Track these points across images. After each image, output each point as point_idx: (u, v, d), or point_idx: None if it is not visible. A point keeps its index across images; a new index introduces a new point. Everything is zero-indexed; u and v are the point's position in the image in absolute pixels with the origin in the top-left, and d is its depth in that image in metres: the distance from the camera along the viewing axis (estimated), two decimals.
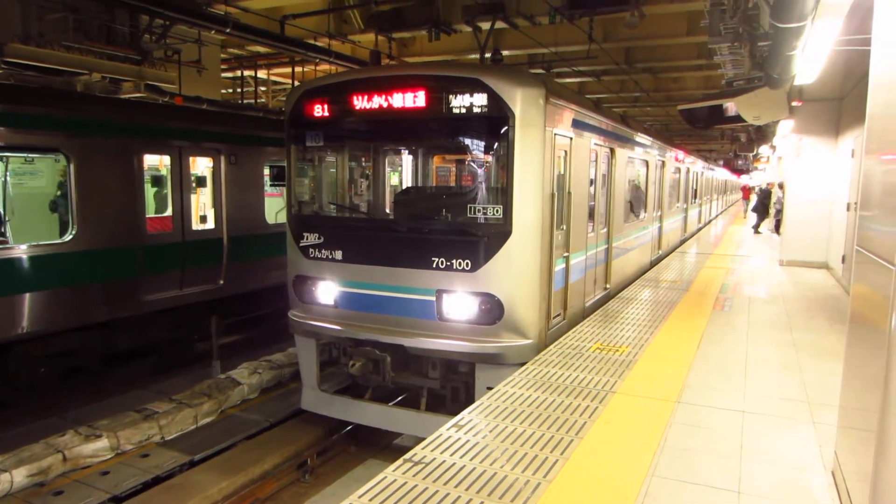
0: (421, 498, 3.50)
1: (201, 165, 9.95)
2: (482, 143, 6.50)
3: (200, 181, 9.69)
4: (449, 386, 6.58)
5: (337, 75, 7.56)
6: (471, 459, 3.96)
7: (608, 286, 9.29)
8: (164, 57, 11.63)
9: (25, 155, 8.11)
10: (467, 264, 6.06)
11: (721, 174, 35.75)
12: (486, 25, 10.62)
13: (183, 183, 9.21)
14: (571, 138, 7.05)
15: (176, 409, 7.47)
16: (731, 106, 10.31)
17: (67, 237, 7.68)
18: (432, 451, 4.09)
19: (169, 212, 9.21)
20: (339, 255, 6.73)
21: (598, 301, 8.75)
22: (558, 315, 7.03)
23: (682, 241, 18.02)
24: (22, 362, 7.74)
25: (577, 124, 7.23)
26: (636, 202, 11.20)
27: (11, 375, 7.71)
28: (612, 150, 9.13)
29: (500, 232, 6.02)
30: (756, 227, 21.93)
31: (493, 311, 6.07)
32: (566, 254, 7.13)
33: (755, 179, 44.05)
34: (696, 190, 20.94)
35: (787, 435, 4.54)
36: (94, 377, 8.77)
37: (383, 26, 10.94)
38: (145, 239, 8.63)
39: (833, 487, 3.75)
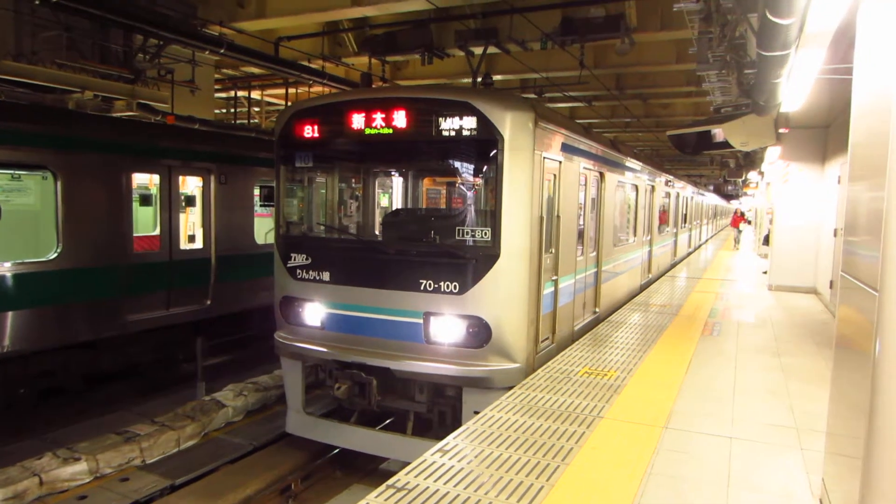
0: None
1: (191, 184, 9.92)
2: (471, 166, 6.51)
3: (189, 200, 9.65)
4: (436, 410, 6.50)
5: (328, 96, 7.59)
6: (455, 486, 3.89)
7: (597, 310, 9.24)
8: (158, 76, 11.67)
9: (12, 172, 8.05)
10: (455, 287, 6.04)
11: (711, 199, 35.99)
12: (478, 50, 10.76)
13: (172, 202, 9.17)
14: (561, 162, 7.06)
15: (158, 432, 7.33)
16: (719, 132, 10.43)
17: (52, 255, 7.60)
18: (416, 476, 4.02)
19: (157, 231, 9.15)
20: (326, 276, 6.71)
21: (587, 325, 8.70)
22: (546, 339, 6.97)
23: (673, 265, 18.06)
24: (1, 382, 7.58)
25: (566, 148, 7.25)
26: (624, 226, 11.23)
27: None
28: (601, 174, 9.15)
29: (488, 255, 6.00)
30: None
31: (480, 334, 6.04)
32: (555, 277, 7.10)
33: (746, 204, 44.37)
34: (685, 214, 21.07)
35: (775, 462, 4.50)
36: (75, 398, 8.61)
37: (377, 50, 11.06)
38: (132, 258, 8.56)
39: None
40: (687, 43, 10.93)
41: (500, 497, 3.75)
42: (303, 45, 11.94)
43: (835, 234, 10.77)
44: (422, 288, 6.16)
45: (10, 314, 7.21)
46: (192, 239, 9.99)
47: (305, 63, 12.54)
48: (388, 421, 7.38)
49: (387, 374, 6.31)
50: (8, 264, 7.28)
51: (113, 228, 8.31)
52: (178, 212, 9.31)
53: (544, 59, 13.41)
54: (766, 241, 17.63)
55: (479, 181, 6.44)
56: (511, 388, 5.88)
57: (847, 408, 3.36)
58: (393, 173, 8.85)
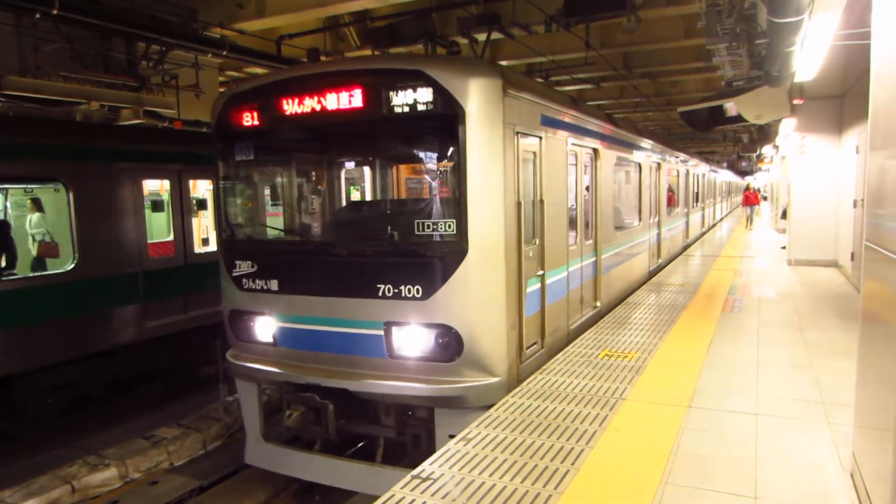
0: None
1: (202, 188, 9.96)
2: (429, 147, 5.75)
3: (201, 204, 9.69)
4: (409, 433, 5.66)
5: (264, 76, 6.54)
6: None
7: (598, 304, 8.30)
8: (162, 82, 11.71)
9: (25, 186, 8.14)
10: (418, 291, 5.19)
11: (724, 176, 35.34)
12: (482, 37, 10.65)
13: (183, 206, 9.22)
14: (541, 137, 6.18)
15: (184, 435, 7.42)
16: (731, 106, 10.27)
17: (69, 266, 7.68)
18: None
19: (171, 236, 9.20)
20: (274, 285, 5.86)
21: (588, 321, 7.81)
22: (534, 344, 6.12)
23: (685, 248, 17.11)
24: (28, 394, 7.69)
25: (548, 122, 6.35)
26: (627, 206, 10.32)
27: (18, 408, 7.66)
28: (595, 151, 8.21)
29: (453, 251, 5.12)
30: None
31: (450, 345, 5.20)
32: (541, 272, 6.20)
33: (760, 180, 43.76)
34: (697, 193, 20.21)
35: (803, 437, 4.42)
36: (100, 406, 8.73)
37: (380, 42, 10.97)
38: (147, 264, 8.63)
39: (852, 489, 3.64)
40: (694, 17, 10.73)
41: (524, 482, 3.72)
42: (305, 42, 11.90)
43: (855, 206, 10.57)
44: (381, 294, 5.31)
45: (31, 327, 7.30)
46: (205, 242, 10.03)
47: (305, 61, 12.51)
48: (360, 444, 6.47)
49: (346, 395, 5.48)
50: (27, 277, 7.36)
51: (127, 236, 8.37)
52: (190, 216, 9.36)
53: (549, 41, 13.25)
54: (784, 215, 17.36)
55: (441, 164, 5.63)
56: (491, 406, 5.06)
57: (876, 380, 3.29)
58: (343, 162, 7.64)
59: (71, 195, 7.63)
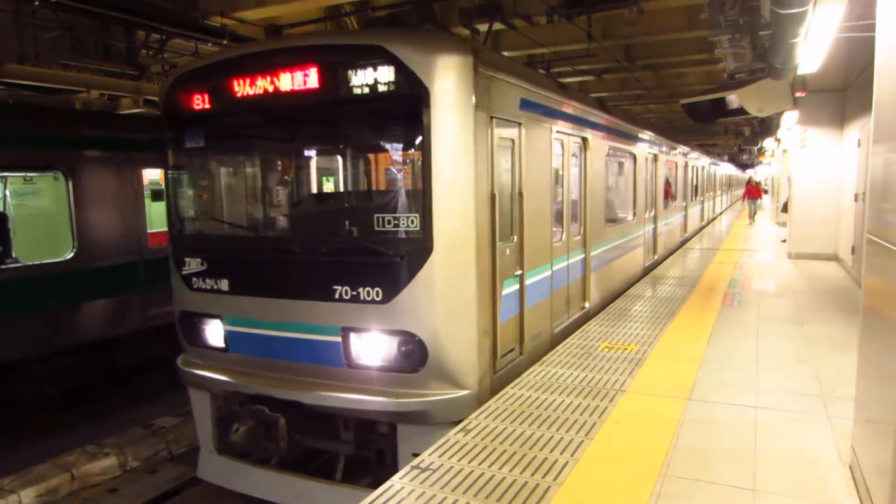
0: None
1: None
2: (391, 133, 5.22)
3: None
4: (373, 447, 5.18)
5: (213, 54, 5.95)
6: None
7: (586, 305, 7.78)
8: (162, 71, 11.66)
9: (24, 174, 8.12)
10: (377, 294, 4.69)
11: (724, 168, 35.16)
12: (483, 27, 10.59)
13: None
14: (521, 124, 5.64)
15: (183, 424, 7.43)
16: (734, 98, 10.25)
17: (69, 255, 7.67)
18: None
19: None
20: (224, 285, 5.37)
21: (574, 323, 7.33)
22: (511, 351, 5.60)
23: (683, 243, 16.73)
24: (28, 383, 7.71)
25: (529, 106, 5.81)
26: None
27: (18, 396, 7.68)
28: (584, 141, 7.66)
29: (417, 249, 4.60)
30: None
31: (413, 354, 4.71)
32: (519, 272, 5.68)
33: (761, 173, 43.67)
34: (696, 186, 19.92)
35: (802, 430, 4.43)
36: (100, 395, 8.75)
37: None
38: (146, 254, 8.61)
39: (851, 483, 3.64)
40: (697, 9, 10.66)
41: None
42: (305, 31, 11.83)
43: (856, 199, 10.55)
44: (337, 296, 4.81)
45: (31, 315, 7.30)
46: None
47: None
48: (326, 458, 5.81)
49: (301, 407, 5.03)
50: (27, 265, 7.35)
51: (127, 225, 8.36)
52: None
53: (551, 32, 13.15)
54: (785, 208, 17.34)
55: (404, 152, 5.19)
56: (460, 421, 4.64)
57: (877, 374, 3.29)
58: (299, 150, 6.92)
59: (70, 184, 7.61)
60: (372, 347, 4.82)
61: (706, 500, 3.50)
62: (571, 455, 3.99)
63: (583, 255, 7.69)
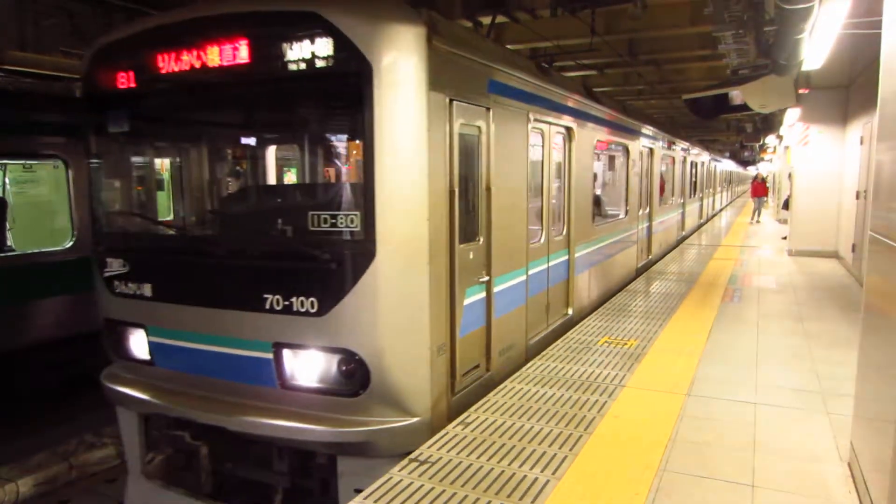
0: None
1: None
2: (330, 116, 4.63)
3: None
4: (315, 478, 4.53)
5: (134, 23, 5.12)
6: None
7: (569, 311, 7.22)
8: None
9: (24, 162, 8.09)
10: (312, 304, 4.04)
11: (725, 164, 35.02)
12: (486, 20, 10.53)
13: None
14: (489, 109, 4.97)
15: None
16: (736, 94, 10.19)
17: (68, 244, 7.65)
18: None
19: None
20: (147, 289, 4.71)
21: (553, 333, 6.69)
22: (475, 367, 4.96)
23: (680, 241, 16.16)
24: (27, 372, 7.71)
25: (499, 89, 5.14)
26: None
27: (17, 386, 7.68)
28: (568, 131, 7.02)
29: (357, 253, 3.94)
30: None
31: (354, 374, 4.07)
32: (486, 277, 5.02)
33: (764, 169, 43.58)
34: (695, 182, 19.09)
35: (801, 426, 4.43)
36: (99, 384, 8.73)
37: None
38: None
39: (849, 479, 3.65)
40: (701, 4, 10.58)
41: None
42: None
43: (857, 197, 10.53)
44: (268, 307, 4.15)
45: (30, 304, 7.29)
46: None
47: None
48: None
49: (227, 433, 4.42)
50: (26, 254, 7.34)
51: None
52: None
53: (554, 26, 13.09)
54: (786, 205, 17.32)
55: (347, 140, 4.59)
56: (409, 453, 4.00)
57: (877, 371, 3.28)
58: (231, 136, 6.20)
59: (70, 172, 7.58)
60: (307, 366, 4.22)
61: (705, 495, 3.50)
62: (570, 449, 3.99)
63: (566, 257, 7.11)
